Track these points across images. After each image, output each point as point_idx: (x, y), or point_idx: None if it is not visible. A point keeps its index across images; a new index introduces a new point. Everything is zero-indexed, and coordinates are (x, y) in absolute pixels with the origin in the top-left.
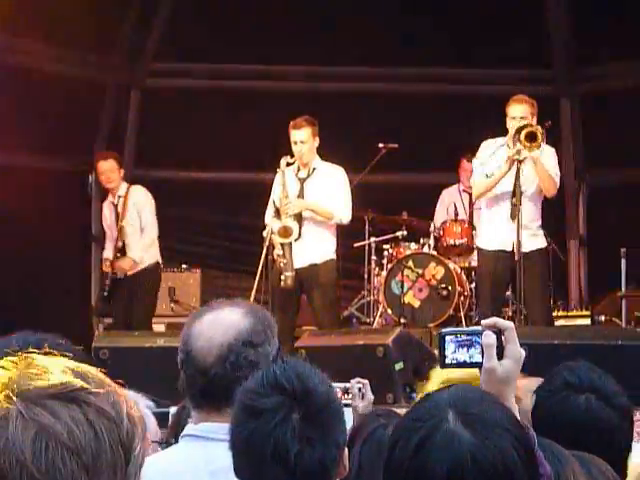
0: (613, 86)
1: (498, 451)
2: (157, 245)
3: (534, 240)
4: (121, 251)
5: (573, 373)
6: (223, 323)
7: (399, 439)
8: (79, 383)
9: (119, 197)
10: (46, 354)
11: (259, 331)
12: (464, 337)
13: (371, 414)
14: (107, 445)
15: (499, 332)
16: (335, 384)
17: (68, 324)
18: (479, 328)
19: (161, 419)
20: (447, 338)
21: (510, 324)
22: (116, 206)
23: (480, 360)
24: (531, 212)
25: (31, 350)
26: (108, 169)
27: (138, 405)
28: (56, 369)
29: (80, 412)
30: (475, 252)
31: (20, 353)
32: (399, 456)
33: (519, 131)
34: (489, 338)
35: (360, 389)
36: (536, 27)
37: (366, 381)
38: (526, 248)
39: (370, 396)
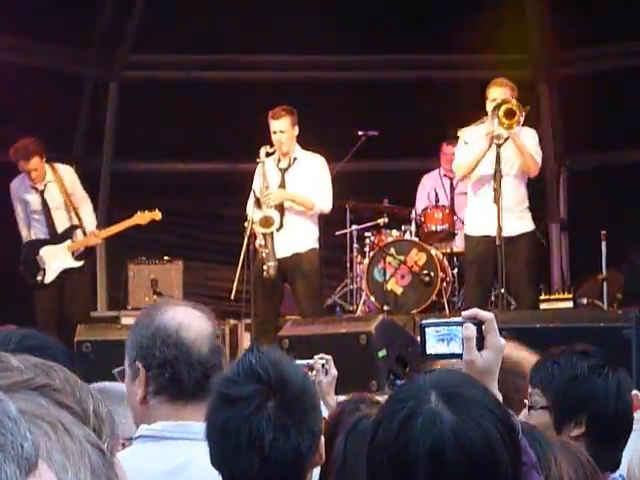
0: (591, 69)
1: (480, 430)
2: None
3: (520, 223)
4: (71, 229)
5: None
6: (197, 316)
7: (382, 420)
8: (43, 380)
9: (48, 182)
10: (14, 351)
11: (215, 324)
12: (444, 329)
13: (349, 401)
14: None
15: (479, 323)
16: (299, 361)
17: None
18: (459, 319)
19: None
20: (427, 330)
21: (490, 315)
22: (42, 192)
23: (460, 351)
24: (516, 194)
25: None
26: (35, 166)
27: (105, 401)
28: (20, 366)
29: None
30: (456, 238)
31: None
32: (382, 437)
33: (497, 107)
34: (469, 330)
35: (324, 365)
36: (514, 12)
37: (329, 357)
38: (512, 232)
39: (334, 371)
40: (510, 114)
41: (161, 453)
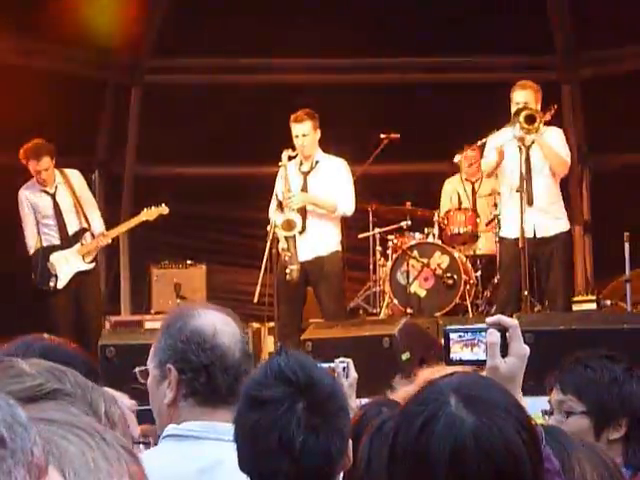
0: (614, 71)
1: (500, 433)
2: None
3: (555, 224)
4: (81, 232)
5: None
6: (228, 321)
7: (402, 424)
8: (54, 385)
9: (58, 184)
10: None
11: (242, 328)
12: (468, 335)
13: (372, 404)
14: None
15: (503, 330)
16: (320, 364)
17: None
18: (483, 326)
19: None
20: (451, 336)
21: (514, 322)
22: (53, 194)
23: (484, 358)
24: (549, 195)
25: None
26: (46, 166)
27: (118, 403)
28: (32, 371)
29: None
30: (479, 240)
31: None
32: (402, 440)
33: (517, 114)
34: (492, 336)
35: (344, 368)
36: (537, 13)
37: (349, 360)
38: (548, 232)
39: (354, 374)
40: (530, 119)
41: (190, 452)
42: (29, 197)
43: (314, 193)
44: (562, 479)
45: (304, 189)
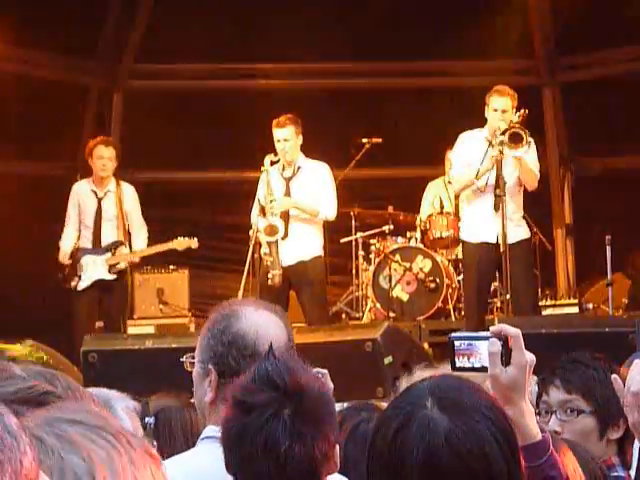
0: (595, 75)
1: (473, 435)
2: None
3: (518, 231)
4: (114, 245)
5: None
6: (271, 323)
7: (381, 425)
8: (46, 387)
9: (108, 191)
10: (13, 360)
11: (291, 333)
12: (471, 343)
13: (351, 408)
14: None
15: (506, 339)
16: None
17: (60, 328)
18: (487, 334)
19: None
20: (456, 343)
21: (517, 332)
22: (101, 199)
23: (487, 365)
24: (514, 203)
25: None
26: (109, 156)
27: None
28: (23, 374)
29: None
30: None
31: None
32: (379, 443)
33: (504, 133)
34: (494, 346)
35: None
36: (518, 17)
37: (325, 371)
38: (510, 239)
39: (330, 385)
40: (516, 138)
41: None
42: (78, 192)
43: (296, 198)
44: None
45: (286, 194)
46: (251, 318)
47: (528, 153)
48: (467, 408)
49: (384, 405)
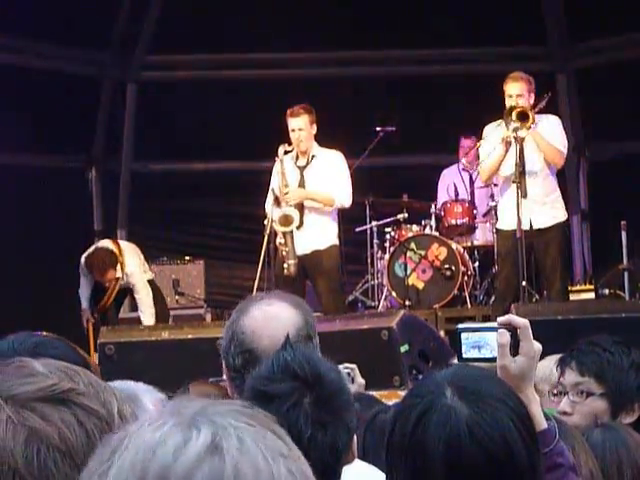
0: (608, 60)
1: (495, 423)
2: None
3: (553, 213)
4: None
5: None
6: (280, 319)
7: (399, 416)
8: (68, 384)
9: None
10: (37, 356)
11: (311, 324)
12: (479, 334)
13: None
14: (99, 444)
15: (514, 329)
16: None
17: (73, 321)
18: (495, 325)
19: None
20: (463, 335)
21: (525, 322)
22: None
23: (495, 356)
24: (543, 186)
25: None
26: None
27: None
28: (45, 371)
29: (70, 413)
30: (477, 231)
31: (13, 356)
32: (399, 432)
33: (510, 112)
34: (503, 337)
35: (349, 374)
36: (530, 3)
37: (354, 365)
38: (544, 223)
39: (360, 380)
40: (523, 116)
41: None
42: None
43: (311, 188)
44: (576, 474)
45: (301, 184)
46: (254, 315)
47: (553, 126)
48: (486, 396)
49: (401, 394)
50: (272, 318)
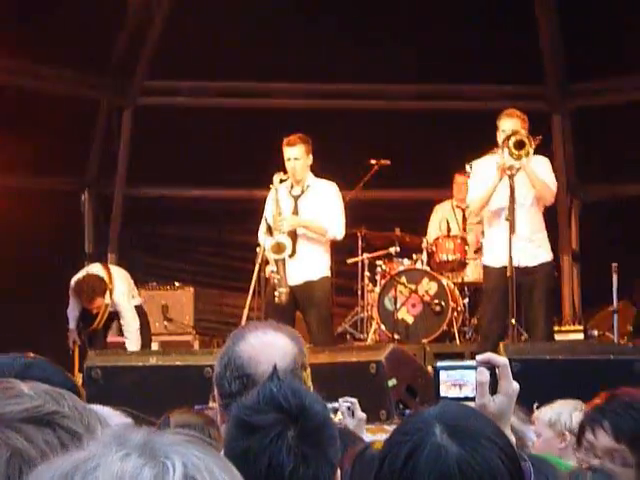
0: (604, 102)
1: (485, 462)
2: None
3: (539, 252)
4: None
5: None
6: (278, 347)
7: (388, 453)
8: (53, 407)
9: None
10: (24, 378)
11: (304, 353)
12: (458, 373)
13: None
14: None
15: (493, 368)
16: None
17: (59, 341)
18: (473, 363)
19: None
20: (441, 373)
21: (504, 360)
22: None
23: (473, 395)
24: (532, 223)
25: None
26: (98, 305)
27: (113, 424)
28: (31, 393)
29: (54, 436)
30: (467, 268)
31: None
32: (388, 469)
33: (508, 139)
34: (482, 375)
35: (349, 407)
36: (527, 44)
37: (355, 400)
38: (531, 262)
39: (360, 414)
40: (520, 145)
41: None
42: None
43: (304, 217)
44: None
45: (295, 212)
46: (250, 342)
47: (542, 165)
48: (475, 434)
49: (387, 428)
50: (269, 345)
